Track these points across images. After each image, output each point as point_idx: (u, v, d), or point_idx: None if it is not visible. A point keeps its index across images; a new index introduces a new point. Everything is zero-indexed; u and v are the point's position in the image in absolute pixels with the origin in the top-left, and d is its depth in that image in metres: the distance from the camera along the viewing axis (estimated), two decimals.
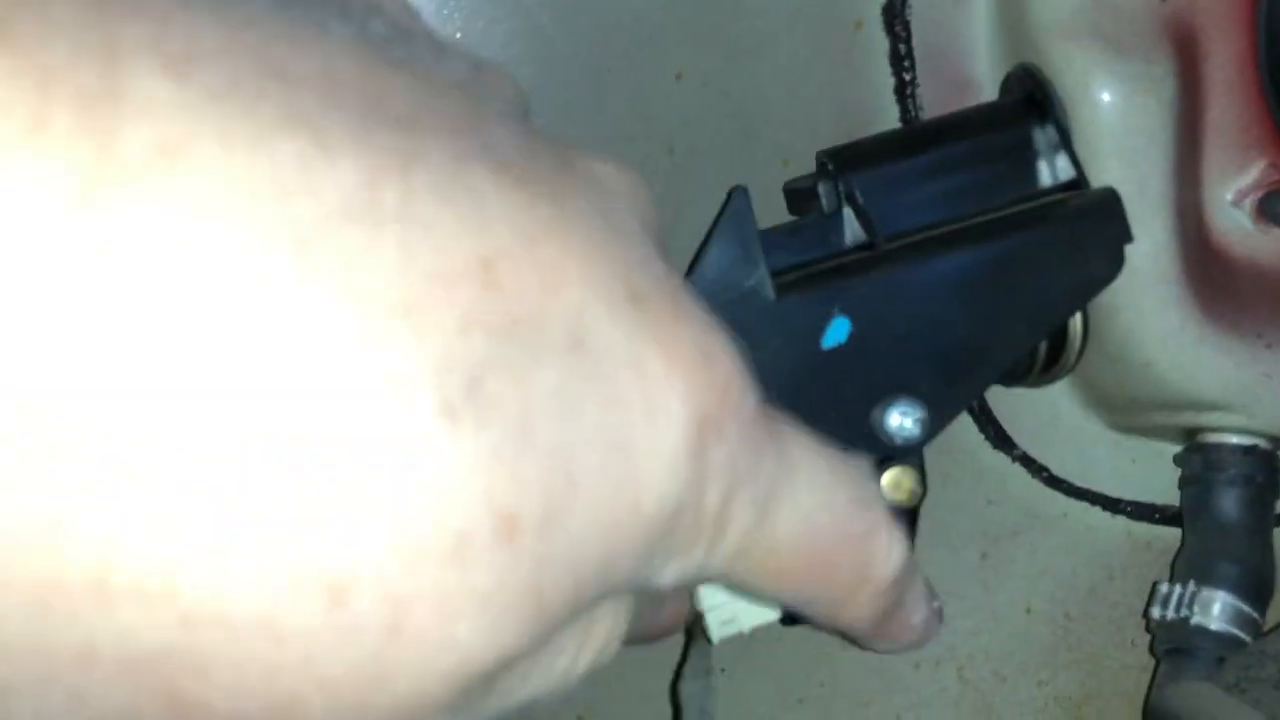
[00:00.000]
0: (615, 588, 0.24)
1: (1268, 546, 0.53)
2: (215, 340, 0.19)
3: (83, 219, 0.18)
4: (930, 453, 0.45)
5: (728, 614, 0.42)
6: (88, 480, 0.19)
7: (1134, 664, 0.60)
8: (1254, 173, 0.50)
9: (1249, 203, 0.50)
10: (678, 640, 0.47)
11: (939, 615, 0.35)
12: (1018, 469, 0.57)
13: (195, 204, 0.19)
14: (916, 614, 0.33)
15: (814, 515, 0.28)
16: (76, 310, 0.18)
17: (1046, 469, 0.58)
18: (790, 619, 0.43)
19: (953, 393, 0.44)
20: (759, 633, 0.44)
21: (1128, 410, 0.54)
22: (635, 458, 0.23)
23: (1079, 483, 0.58)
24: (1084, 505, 0.59)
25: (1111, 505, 0.59)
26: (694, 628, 0.43)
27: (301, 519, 0.19)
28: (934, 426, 0.44)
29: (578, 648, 0.25)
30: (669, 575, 0.25)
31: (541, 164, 0.23)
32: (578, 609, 0.23)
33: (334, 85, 0.21)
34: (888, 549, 0.30)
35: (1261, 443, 0.52)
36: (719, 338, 0.25)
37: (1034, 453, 0.57)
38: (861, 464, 0.30)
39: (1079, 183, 0.47)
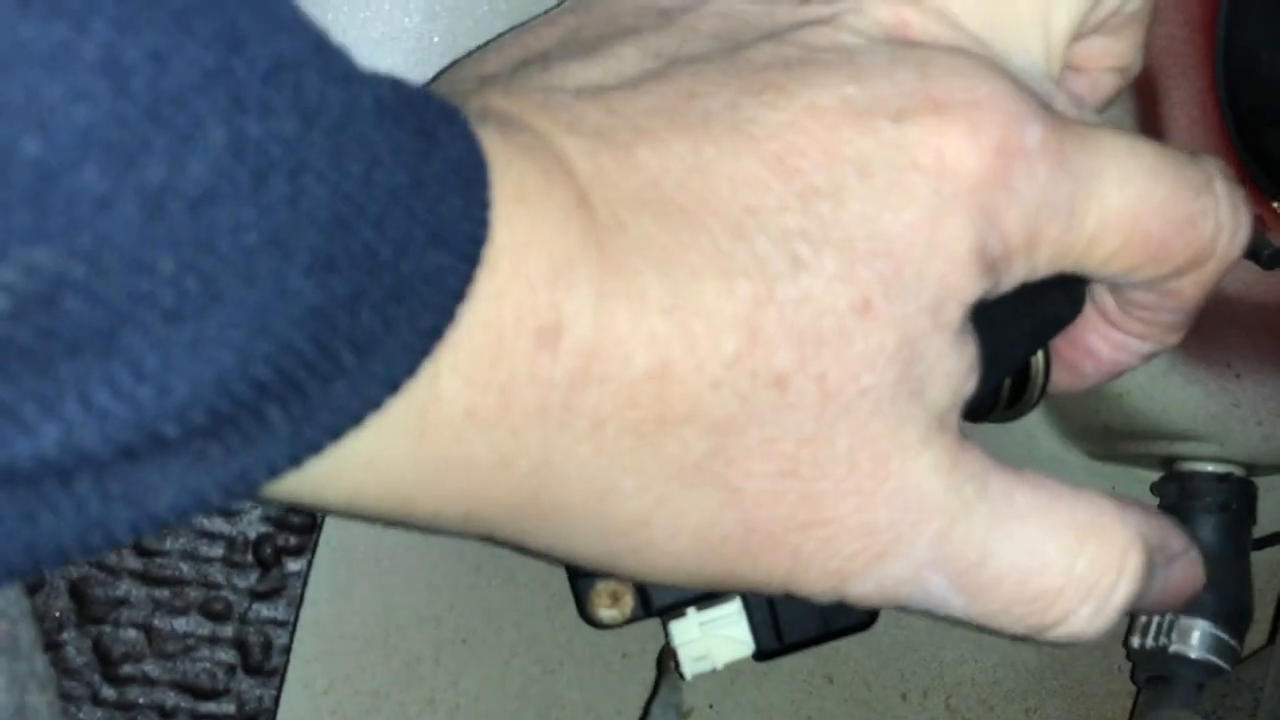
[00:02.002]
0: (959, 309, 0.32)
1: (1245, 574, 0.53)
2: None
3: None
4: None
5: (700, 650, 0.43)
6: None
7: (1120, 690, 0.61)
8: None
9: None
10: (648, 678, 0.48)
11: None
12: None
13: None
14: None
15: (1129, 208, 0.32)
16: None
17: None
18: (763, 655, 0.44)
19: None
20: (742, 667, 0.45)
21: (1103, 439, 0.54)
22: (940, 231, 0.30)
23: None
24: None
25: None
26: (665, 664, 0.44)
27: None
28: None
29: (1093, 560, 0.33)
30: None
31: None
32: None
33: None
34: (1216, 231, 0.34)
35: (1236, 470, 0.52)
36: (998, 87, 0.31)
37: None
38: (1198, 161, 0.34)
39: None
